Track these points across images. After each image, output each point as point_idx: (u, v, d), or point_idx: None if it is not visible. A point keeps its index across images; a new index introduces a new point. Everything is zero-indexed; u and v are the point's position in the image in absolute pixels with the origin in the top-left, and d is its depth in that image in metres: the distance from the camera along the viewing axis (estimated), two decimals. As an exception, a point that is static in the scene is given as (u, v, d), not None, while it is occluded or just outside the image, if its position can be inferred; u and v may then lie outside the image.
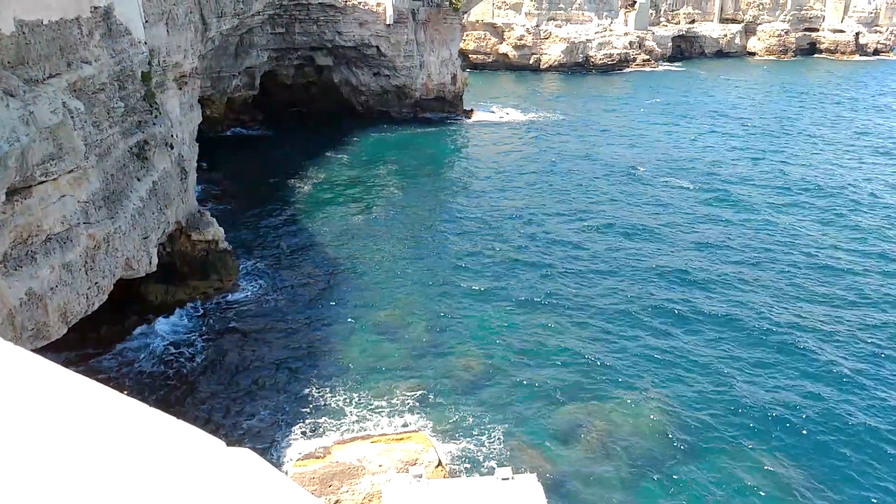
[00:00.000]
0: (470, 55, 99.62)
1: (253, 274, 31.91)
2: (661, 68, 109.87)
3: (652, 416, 22.29)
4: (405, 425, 21.33)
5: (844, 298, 31.42)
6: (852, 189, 48.37)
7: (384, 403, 22.47)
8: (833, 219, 42.20)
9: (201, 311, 28.03)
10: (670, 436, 21.44)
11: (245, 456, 1.30)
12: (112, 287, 18.71)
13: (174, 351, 25.21)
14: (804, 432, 21.98)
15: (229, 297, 29.16)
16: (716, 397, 23.57)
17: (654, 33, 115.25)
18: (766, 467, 20.27)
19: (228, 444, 1.32)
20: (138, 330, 26.07)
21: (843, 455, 21.04)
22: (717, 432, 21.74)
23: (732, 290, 31.84)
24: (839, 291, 32.12)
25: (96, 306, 17.78)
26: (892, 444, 21.52)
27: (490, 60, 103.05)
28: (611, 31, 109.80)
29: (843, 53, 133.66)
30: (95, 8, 19.80)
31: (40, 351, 16.04)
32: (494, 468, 17.73)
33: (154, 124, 23.67)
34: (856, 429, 22.22)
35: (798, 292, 31.84)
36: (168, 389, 23.04)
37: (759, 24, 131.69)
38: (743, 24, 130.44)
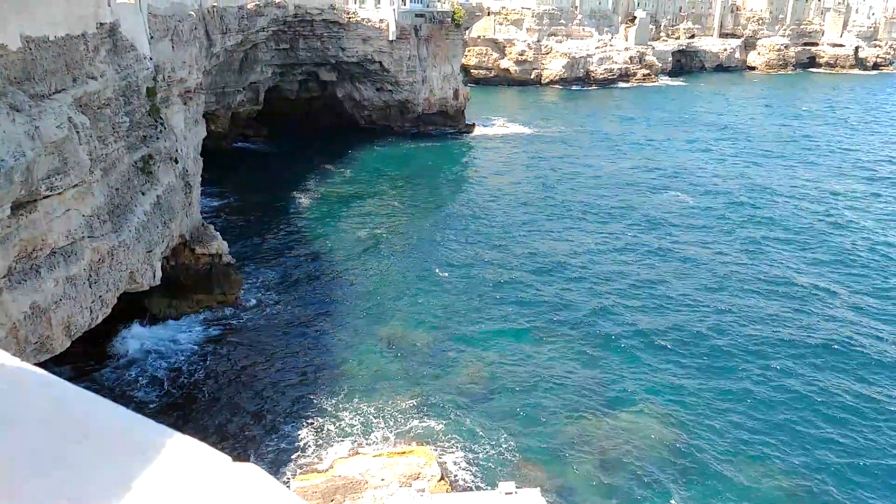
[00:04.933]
0: (472, 70, 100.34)
1: (257, 287, 31.91)
2: (661, 83, 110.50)
3: (656, 431, 22.13)
4: (408, 439, 21.20)
5: (858, 308, 31.28)
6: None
7: (387, 417, 22.36)
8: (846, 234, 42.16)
9: (205, 326, 27.99)
10: (674, 450, 21.27)
11: (250, 471, 1.30)
12: (116, 300, 18.73)
13: (179, 366, 25.15)
14: (808, 446, 21.78)
15: (232, 311, 29.12)
16: (719, 411, 23.40)
17: (654, 48, 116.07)
18: (770, 480, 20.07)
19: (234, 460, 1.32)
20: (144, 343, 26.03)
21: (846, 463, 20.84)
22: (721, 446, 21.56)
23: (737, 302, 31.73)
24: (849, 301, 31.99)
25: (100, 319, 17.79)
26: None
27: (492, 75, 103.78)
28: (611, 46, 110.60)
29: (842, 67, 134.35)
30: (101, 24, 20.03)
31: (43, 364, 16.02)
32: (498, 482, 17.59)
33: (159, 139, 23.83)
34: (861, 437, 22.03)
35: (806, 304, 31.71)
36: (173, 404, 22.96)
37: (759, 38, 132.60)
38: (742, 39, 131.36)
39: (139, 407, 21.88)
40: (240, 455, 19.61)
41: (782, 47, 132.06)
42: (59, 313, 15.55)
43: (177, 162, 25.78)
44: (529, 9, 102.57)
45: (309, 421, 22.09)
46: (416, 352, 26.59)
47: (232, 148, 57.29)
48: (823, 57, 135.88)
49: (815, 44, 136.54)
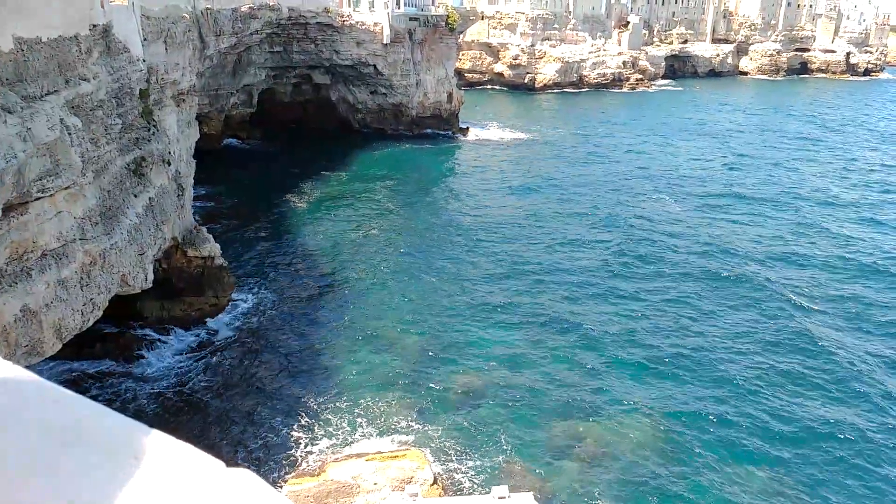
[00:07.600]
0: (466, 74, 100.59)
1: (249, 290, 31.80)
2: (653, 87, 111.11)
3: (649, 434, 22.18)
4: (400, 443, 21.15)
5: (844, 308, 31.48)
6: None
7: (379, 421, 22.31)
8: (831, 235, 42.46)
9: (197, 329, 27.85)
10: (667, 453, 21.32)
11: (244, 476, 1.30)
12: (107, 303, 18.61)
13: (171, 371, 25.01)
14: (799, 447, 21.89)
15: (225, 314, 28.99)
16: (710, 413, 23.48)
17: (647, 53, 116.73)
18: (761, 482, 20.14)
19: (227, 465, 1.32)
20: (136, 349, 25.86)
21: (839, 467, 20.94)
22: (713, 448, 21.63)
23: (727, 307, 31.88)
24: (840, 305, 32.19)
25: (91, 322, 17.67)
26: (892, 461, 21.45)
27: (485, 79, 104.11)
28: (604, 50, 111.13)
29: (833, 73, 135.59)
30: (94, 26, 19.94)
31: (33, 367, 15.90)
32: (491, 487, 17.57)
33: (151, 141, 23.72)
34: (853, 441, 22.15)
35: (798, 306, 31.89)
36: (166, 409, 22.82)
37: (751, 44, 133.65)
38: (735, 44, 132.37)
39: (132, 412, 21.74)
40: (233, 460, 19.51)
41: (774, 53, 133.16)
42: (50, 316, 15.44)
43: (169, 164, 25.68)
44: (523, 13, 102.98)
45: (301, 425, 22.01)
46: (410, 355, 26.55)
47: (225, 150, 57.12)
48: (815, 63, 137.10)
49: (807, 49, 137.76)
